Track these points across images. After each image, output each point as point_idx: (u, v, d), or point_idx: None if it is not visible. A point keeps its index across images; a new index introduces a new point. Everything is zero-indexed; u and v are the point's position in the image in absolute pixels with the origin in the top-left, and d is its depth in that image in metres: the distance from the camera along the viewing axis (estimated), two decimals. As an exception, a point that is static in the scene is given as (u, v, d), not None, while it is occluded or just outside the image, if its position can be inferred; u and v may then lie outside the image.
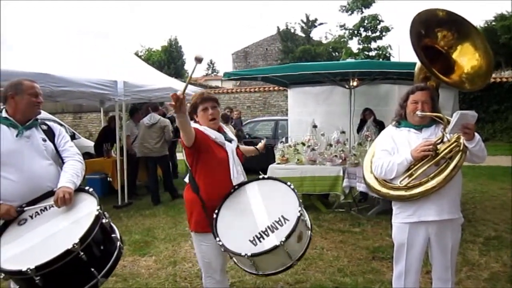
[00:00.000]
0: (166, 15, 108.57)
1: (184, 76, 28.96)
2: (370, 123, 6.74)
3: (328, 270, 4.20)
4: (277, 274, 2.58)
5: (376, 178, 2.89)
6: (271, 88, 18.95)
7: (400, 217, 2.81)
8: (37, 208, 2.54)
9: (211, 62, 57.19)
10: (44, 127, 2.83)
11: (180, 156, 9.51)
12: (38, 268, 2.11)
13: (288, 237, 2.37)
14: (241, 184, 2.80)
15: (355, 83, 7.16)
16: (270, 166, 6.74)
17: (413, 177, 2.66)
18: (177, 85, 9.08)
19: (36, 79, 2.84)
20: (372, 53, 21.33)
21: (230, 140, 2.88)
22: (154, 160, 7.69)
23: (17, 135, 2.63)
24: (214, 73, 55.17)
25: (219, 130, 2.87)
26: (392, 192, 2.76)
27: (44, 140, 2.75)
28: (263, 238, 2.46)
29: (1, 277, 2.27)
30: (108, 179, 8.08)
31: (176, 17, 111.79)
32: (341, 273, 4.12)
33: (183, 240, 5.24)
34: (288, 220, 2.48)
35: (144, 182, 8.65)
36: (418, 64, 3.44)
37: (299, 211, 2.47)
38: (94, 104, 10.00)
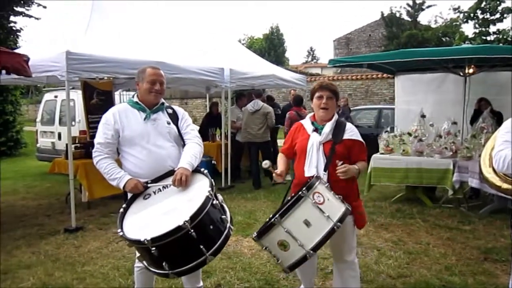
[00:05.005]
0: (268, 3, 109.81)
1: (284, 64, 29.14)
2: (487, 114, 6.20)
3: (434, 267, 4.01)
4: (326, 241, 2.42)
5: (497, 173, 2.67)
6: (374, 76, 18.24)
7: (524, 217, 2.58)
8: (160, 185, 2.77)
9: (311, 49, 56.96)
10: (170, 110, 3.04)
11: (281, 142, 9.72)
12: (153, 240, 2.28)
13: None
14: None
15: (471, 70, 6.60)
16: (373, 156, 6.56)
17: (542, 173, 2.42)
18: (280, 72, 9.22)
19: (155, 67, 3.06)
20: (491, 38, 19.25)
21: (320, 133, 2.88)
22: (257, 146, 7.94)
23: (145, 119, 2.89)
24: (314, 60, 54.77)
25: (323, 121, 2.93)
26: (516, 189, 2.53)
27: (169, 123, 2.96)
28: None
29: (126, 244, 2.57)
30: (213, 162, 8.55)
31: (278, 5, 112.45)
32: (448, 271, 3.91)
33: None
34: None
35: (247, 166, 8.98)
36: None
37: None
38: (200, 90, 10.56)
